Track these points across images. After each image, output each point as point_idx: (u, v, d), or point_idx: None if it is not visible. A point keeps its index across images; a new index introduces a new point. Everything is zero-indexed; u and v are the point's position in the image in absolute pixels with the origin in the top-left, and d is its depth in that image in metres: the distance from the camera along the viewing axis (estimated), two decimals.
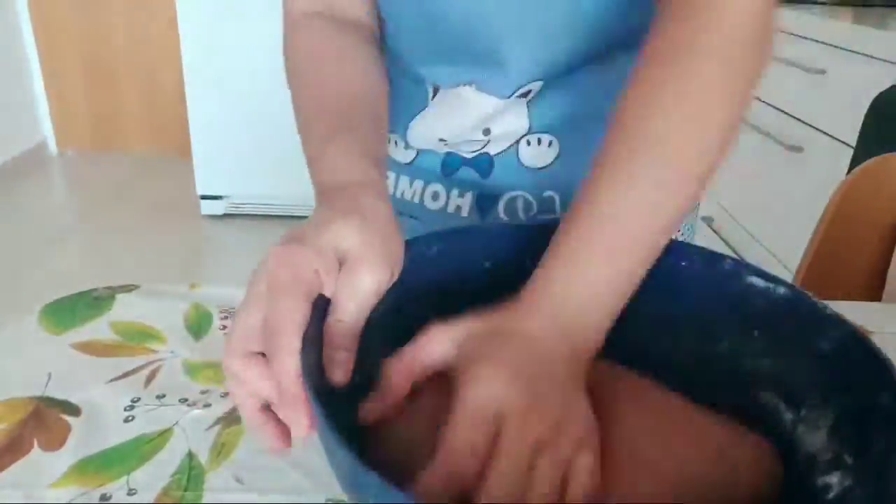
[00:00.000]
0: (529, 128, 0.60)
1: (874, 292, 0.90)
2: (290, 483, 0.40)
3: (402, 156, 0.65)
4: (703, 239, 1.78)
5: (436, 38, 0.57)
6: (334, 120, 0.48)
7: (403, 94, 0.62)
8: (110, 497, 0.38)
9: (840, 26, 1.51)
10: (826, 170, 1.39)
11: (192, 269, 2.31)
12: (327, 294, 0.35)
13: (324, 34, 0.56)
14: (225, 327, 0.54)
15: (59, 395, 0.46)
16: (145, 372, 0.49)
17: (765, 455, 0.36)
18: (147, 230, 2.52)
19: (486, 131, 0.60)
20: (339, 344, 0.34)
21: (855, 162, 1.21)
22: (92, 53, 3.06)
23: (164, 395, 0.47)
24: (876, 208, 0.89)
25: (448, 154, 0.62)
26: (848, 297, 0.64)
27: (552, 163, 0.60)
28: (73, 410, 0.45)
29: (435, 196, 0.64)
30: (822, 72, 1.47)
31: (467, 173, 0.62)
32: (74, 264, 2.29)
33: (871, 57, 1.35)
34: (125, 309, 0.56)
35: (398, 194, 0.66)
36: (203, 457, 0.41)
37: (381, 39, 0.62)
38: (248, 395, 0.34)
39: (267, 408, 0.34)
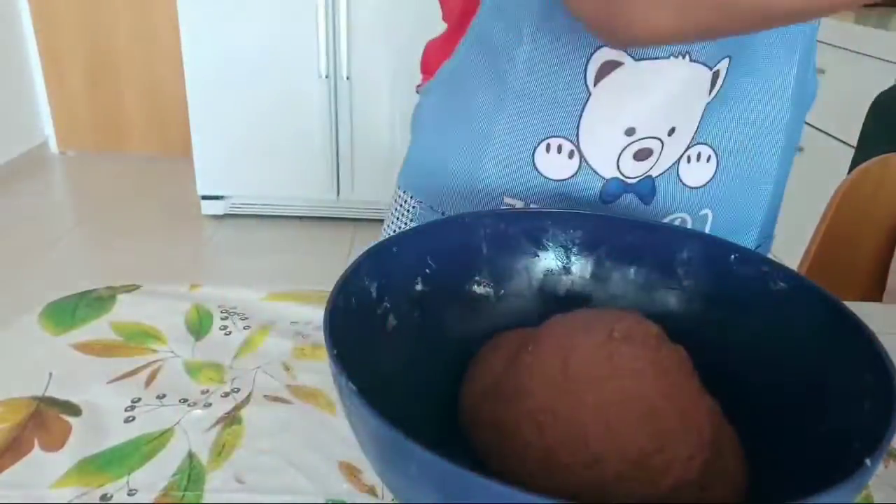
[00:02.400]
0: (695, 134, 0.56)
1: (874, 292, 0.90)
2: (290, 483, 0.40)
3: (559, 170, 0.56)
4: None
5: None
6: None
7: (561, 84, 0.53)
8: (111, 497, 0.38)
9: (840, 26, 1.51)
10: (826, 170, 1.39)
11: (193, 268, 2.31)
12: None
13: None
14: (225, 327, 0.54)
15: (60, 396, 0.46)
16: (146, 372, 0.49)
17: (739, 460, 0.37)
18: (148, 230, 2.52)
19: (672, 131, 0.55)
20: None
21: (855, 162, 1.21)
22: (93, 54, 3.06)
23: (164, 396, 0.47)
24: (876, 208, 0.89)
25: (612, 180, 0.56)
26: (848, 297, 0.64)
27: (710, 181, 0.58)
28: (74, 410, 0.45)
29: None
30: (822, 72, 1.47)
31: (629, 200, 0.57)
32: (75, 264, 2.29)
33: (871, 57, 1.35)
34: (126, 309, 0.56)
35: None
36: (203, 457, 0.42)
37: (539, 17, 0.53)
38: None
39: None
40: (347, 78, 2.35)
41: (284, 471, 0.41)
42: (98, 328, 0.53)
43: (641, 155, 0.56)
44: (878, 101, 1.22)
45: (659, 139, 0.55)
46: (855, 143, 1.27)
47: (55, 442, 0.42)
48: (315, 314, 0.56)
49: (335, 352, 0.32)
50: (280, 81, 2.34)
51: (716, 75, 0.54)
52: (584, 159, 0.56)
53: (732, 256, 0.44)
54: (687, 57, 0.52)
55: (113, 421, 0.44)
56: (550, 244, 0.48)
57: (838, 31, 1.47)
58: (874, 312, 0.61)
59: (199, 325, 0.54)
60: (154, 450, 0.42)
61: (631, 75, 0.52)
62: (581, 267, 0.48)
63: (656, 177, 0.57)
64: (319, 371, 0.50)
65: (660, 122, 0.54)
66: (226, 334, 0.53)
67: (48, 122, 3.17)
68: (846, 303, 0.38)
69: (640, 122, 0.54)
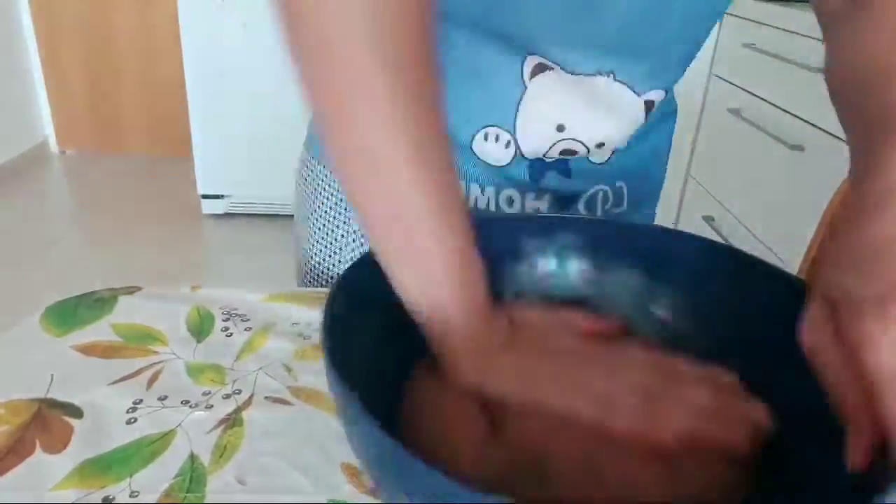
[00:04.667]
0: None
1: None
2: (292, 484, 0.40)
3: (496, 158, 0.59)
4: None
5: (590, 24, 0.51)
6: None
7: (498, 76, 0.55)
8: (113, 499, 0.38)
9: None
10: (827, 169, 1.39)
11: (193, 268, 2.31)
12: None
13: None
14: (227, 329, 0.54)
15: (62, 398, 0.46)
16: (147, 374, 0.49)
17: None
18: (148, 230, 2.52)
19: (600, 145, 0.59)
20: None
21: None
22: (93, 53, 3.06)
23: (166, 397, 0.47)
24: None
25: (535, 160, 0.59)
26: None
27: (609, 158, 0.62)
28: (76, 412, 0.45)
29: (510, 201, 0.61)
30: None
31: (552, 177, 0.61)
32: (75, 265, 2.29)
33: None
34: (127, 311, 0.56)
35: (471, 204, 0.61)
36: (205, 458, 0.42)
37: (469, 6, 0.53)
38: None
39: None
40: None
41: (286, 472, 0.41)
42: (99, 330, 0.54)
43: (567, 153, 0.59)
44: None
45: (585, 145, 0.58)
46: None
47: (57, 444, 0.42)
48: (316, 315, 0.56)
49: (332, 358, 0.32)
50: (280, 81, 2.33)
51: (649, 105, 0.57)
52: (519, 149, 0.58)
53: (734, 260, 0.44)
54: (612, 76, 0.54)
55: (115, 423, 0.44)
56: (549, 248, 0.48)
57: None
58: None
59: (200, 327, 0.54)
60: (156, 451, 0.42)
61: (562, 78, 0.55)
62: (579, 271, 0.48)
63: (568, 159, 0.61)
64: (321, 372, 0.49)
65: (588, 129, 0.57)
66: (227, 336, 0.54)
67: (48, 122, 3.17)
68: None
69: (569, 121, 0.56)
